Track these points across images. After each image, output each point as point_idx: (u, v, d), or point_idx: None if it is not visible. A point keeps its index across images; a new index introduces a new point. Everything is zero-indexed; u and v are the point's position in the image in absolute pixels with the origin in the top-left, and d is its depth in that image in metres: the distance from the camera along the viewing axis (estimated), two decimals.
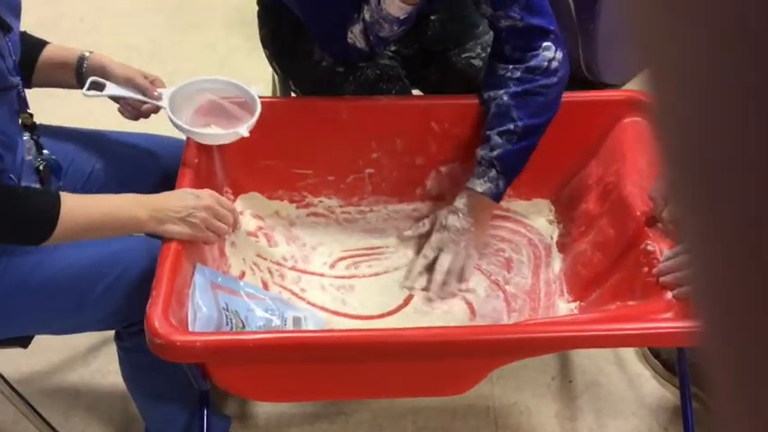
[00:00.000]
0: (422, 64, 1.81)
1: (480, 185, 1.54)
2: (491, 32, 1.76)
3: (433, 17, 1.71)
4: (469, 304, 1.55)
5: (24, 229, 1.22)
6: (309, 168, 1.68)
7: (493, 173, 1.53)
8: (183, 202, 1.31)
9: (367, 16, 1.53)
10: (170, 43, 3.06)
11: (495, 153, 1.52)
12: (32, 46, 1.46)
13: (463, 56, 1.76)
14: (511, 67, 1.53)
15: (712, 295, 0.26)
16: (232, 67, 2.90)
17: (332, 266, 1.62)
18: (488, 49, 1.74)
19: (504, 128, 1.52)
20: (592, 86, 2.35)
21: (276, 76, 1.91)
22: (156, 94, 1.47)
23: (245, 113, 1.51)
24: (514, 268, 1.62)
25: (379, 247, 1.67)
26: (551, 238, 1.68)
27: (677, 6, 0.23)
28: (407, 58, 1.79)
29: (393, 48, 1.71)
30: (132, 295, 1.32)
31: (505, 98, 1.52)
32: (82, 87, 1.44)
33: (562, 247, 1.65)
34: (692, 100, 0.24)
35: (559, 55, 1.51)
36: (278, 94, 1.93)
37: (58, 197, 1.23)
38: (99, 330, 1.46)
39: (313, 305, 1.53)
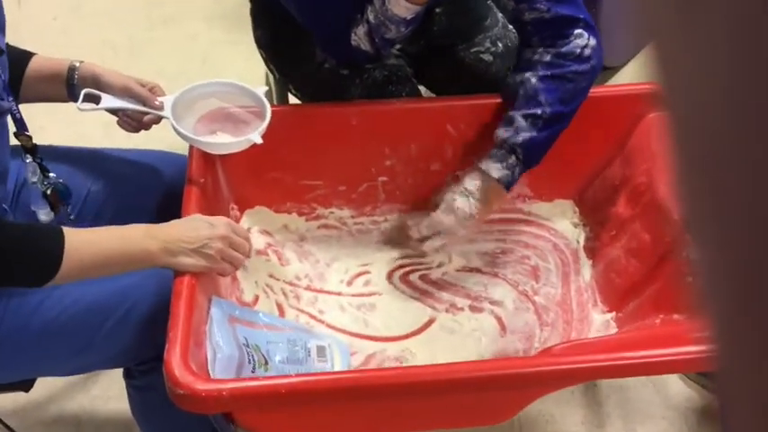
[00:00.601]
0: (428, 60, 1.71)
1: (497, 171, 1.43)
2: (500, 24, 1.67)
3: (438, 10, 1.61)
4: (498, 319, 1.47)
5: (25, 271, 1.12)
6: (319, 179, 1.58)
7: (512, 159, 1.43)
8: (197, 232, 1.20)
9: (371, 17, 1.42)
10: (149, 39, 2.92)
11: (520, 139, 1.42)
12: (17, 59, 1.34)
13: (472, 50, 1.66)
14: (541, 50, 1.43)
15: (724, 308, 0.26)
16: (216, 62, 2.77)
17: (349, 284, 1.53)
18: (498, 43, 1.65)
19: (531, 111, 1.42)
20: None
21: (272, 80, 1.80)
22: (157, 103, 1.35)
23: (254, 118, 1.41)
24: (542, 277, 1.54)
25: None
26: (577, 242, 1.59)
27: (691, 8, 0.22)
28: (413, 55, 1.68)
29: (398, 45, 1.61)
30: (143, 332, 1.22)
31: (533, 80, 1.42)
32: (74, 100, 1.33)
33: (590, 252, 1.56)
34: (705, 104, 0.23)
35: (593, 42, 1.42)
36: (274, 98, 1.82)
37: (62, 234, 1.12)
38: (109, 369, 1.36)
39: (334, 328, 1.43)
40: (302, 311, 1.45)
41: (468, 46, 1.66)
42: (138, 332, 1.22)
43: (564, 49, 1.41)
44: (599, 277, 1.51)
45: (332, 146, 1.54)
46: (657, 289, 1.35)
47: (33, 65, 1.35)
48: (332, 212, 1.61)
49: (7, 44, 1.30)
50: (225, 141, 1.36)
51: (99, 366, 1.31)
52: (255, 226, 1.56)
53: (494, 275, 1.54)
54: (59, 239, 1.11)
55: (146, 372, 1.27)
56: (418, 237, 1.51)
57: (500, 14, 1.70)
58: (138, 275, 1.25)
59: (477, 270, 1.55)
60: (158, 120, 1.37)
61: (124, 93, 1.34)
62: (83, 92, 1.32)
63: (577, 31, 1.42)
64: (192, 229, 1.20)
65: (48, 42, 2.77)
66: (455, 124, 1.54)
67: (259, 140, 1.34)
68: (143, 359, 1.26)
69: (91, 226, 1.32)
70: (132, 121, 1.38)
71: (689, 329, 1.21)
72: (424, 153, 1.57)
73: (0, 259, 1.10)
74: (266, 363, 1.23)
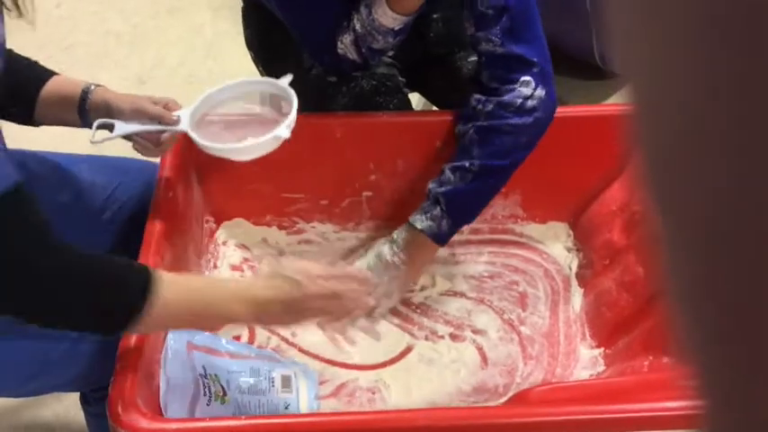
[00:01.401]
0: (424, 68, 1.62)
1: (420, 222, 1.36)
2: None
3: (435, 15, 1.52)
4: (480, 349, 1.39)
5: (93, 312, 0.97)
6: (300, 192, 1.51)
7: (437, 210, 1.36)
8: (286, 294, 1.04)
9: (358, 27, 1.34)
10: (153, 28, 2.86)
11: (443, 189, 1.35)
12: (36, 76, 1.24)
13: (470, 59, 1.58)
14: (485, 99, 1.35)
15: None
16: (219, 53, 2.71)
17: None
18: None
19: (459, 164, 1.35)
20: (605, 76, 2.19)
21: None
22: (174, 118, 1.24)
23: (277, 113, 1.30)
24: (529, 305, 1.46)
25: None
26: (570, 268, 1.51)
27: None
28: (407, 62, 1.60)
29: (391, 53, 1.52)
30: (98, 355, 1.15)
31: (471, 132, 1.35)
32: (87, 126, 1.22)
33: (583, 280, 1.48)
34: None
35: (540, 93, 1.31)
36: None
37: (149, 279, 0.96)
38: (65, 392, 1.30)
39: (306, 353, 1.36)
40: (273, 333, 1.38)
41: (466, 54, 1.58)
42: (90, 359, 1.16)
43: (506, 98, 1.32)
44: (589, 309, 1.43)
45: (315, 158, 1.46)
46: (648, 328, 1.27)
47: (49, 85, 1.24)
48: (313, 227, 1.54)
49: (35, 62, 1.24)
50: (249, 144, 1.23)
51: (53, 391, 1.25)
52: (232, 239, 1.50)
53: (479, 301, 1.46)
54: (144, 288, 0.96)
55: (102, 399, 1.21)
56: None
57: None
58: None
59: (462, 295, 1.47)
60: (177, 136, 1.27)
61: (137, 115, 1.23)
62: (95, 123, 1.21)
63: (525, 78, 1.31)
64: (278, 290, 1.05)
65: (50, 30, 2.72)
66: (444, 140, 1.46)
67: (287, 134, 1.21)
68: (98, 385, 1.20)
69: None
70: (149, 144, 1.25)
71: (677, 377, 1.13)
72: (411, 169, 1.49)
73: (78, 299, 0.96)
74: (224, 394, 1.17)
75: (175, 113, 1.24)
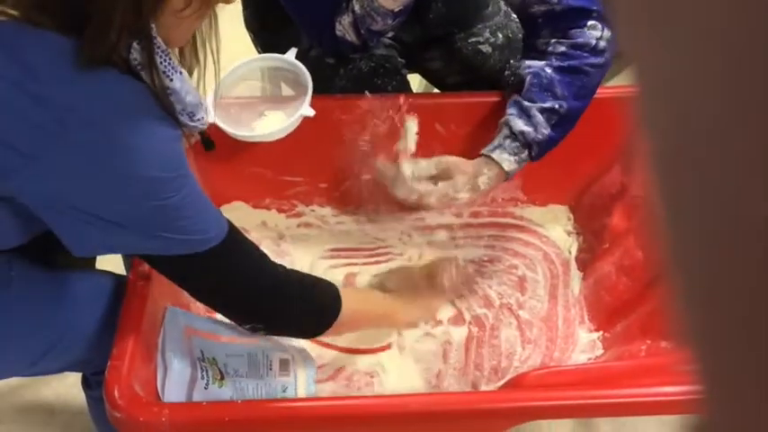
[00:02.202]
0: (423, 49, 1.61)
1: (509, 163, 1.33)
2: (502, 13, 1.57)
3: None
4: (479, 333, 1.39)
5: (312, 322, 1.16)
6: (300, 175, 1.50)
7: (525, 154, 1.34)
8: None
9: (357, 7, 1.33)
10: None
11: (540, 137, 1.32)
12: None
13: (470, 41, 1.56)
14: (554, 41, 1.33)
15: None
16: (220, 34, 2.69)
17: None
18: (498, 34, 1.54)
19: (548, 105, 1.32)
20: None
21: None
22: None
23: (289, 88, 1.37)
24: (528, 289, 1.45)
25: (378, 256, 1.50)
26: (569, 252, 1.51)
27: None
28: (407, 43, 1.59)
29: (390, 34, 1.51)
30: (99, 340, 1.16)
31: (548, 70, 1.32)
32: None
33: (582, 264, 1.48)
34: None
35: (607, 34, 1.30)
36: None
37: (339, 294, 1.16)
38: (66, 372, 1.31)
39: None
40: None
41: (466, 35, 1.56)
42: (91, 344, 1.16)
43: (580, 40, 1.31)
44: (588, 293, 1.42)
45: (314, 141, 1.45)
46: (647, 312, 1.26)
47: None
48: (313, 210, 1.54)
49: None
50: (280, 127, 1.30)
51: (54, 373, 1.25)
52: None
53: (478, 286, 1.46)
54: (337, 297, 1.16)
55: (102, 382, 1.21)
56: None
57: (503, 2, 1.59)
58: (91, 285, 1.19)
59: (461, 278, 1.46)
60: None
61: None
62: None
63: (591, 22, 1.31)
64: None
65: None
66: (444, 123, 1.45)
67: (311, 112, 1.29)
68: (99, 369, 1.20)
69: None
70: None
71: (675, 362, 1.12)
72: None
73: (290, 308, 1.12)
74: (222, 377, 1.17)
75: None
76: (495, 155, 1.34)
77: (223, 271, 1.05)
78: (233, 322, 1.16)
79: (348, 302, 1.16)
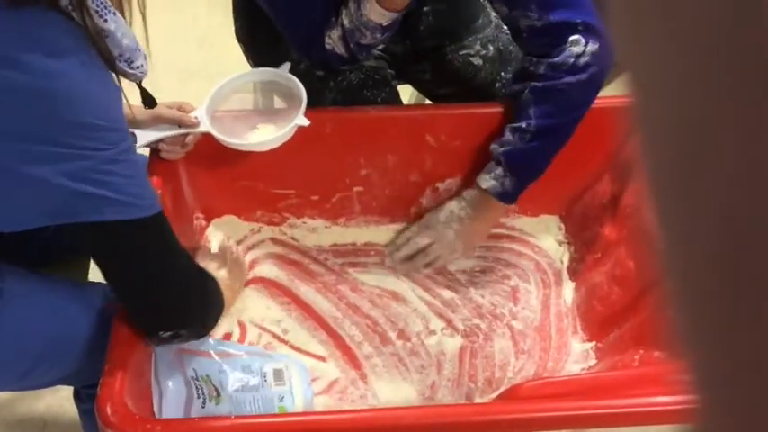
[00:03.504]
0: (414, 60, 1.61)
1: (485, 181, 1.38)
2: (493, 25, 1.58)
3: (425, 8, 1.51)
4: (471, 344, 1.39)
5: (207, 316, 1.17)
6: (291, 187, 1.50)
7: (499, 170, 1.37)
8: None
9: (346, 22, 1.34)
10: (148, 20, 2.84)
11: (503, 149, 1.36)
12: None
13: (461, 53, 1.57)
14: (535, 60, 1.33)
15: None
16: (212, 46, 2.70)
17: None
18: (489, 46, 1.55)
19: (518, 125, 1.34)
20: None
21: None
22: (193, 120, 1.29)
23: (282, 102, 1.38)
24: (521, 299, 1.45)
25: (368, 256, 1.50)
26: (561, 262, 1.51)
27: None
28: (396, 55, 1.59)
29: (380, 46, 1.51)
30: (90, 353, 1.15)
31: (526, 92, 1.34)
32: None
33: (574, 274, 1.48)
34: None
35: (592, 48, 1.28)
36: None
37: (212, 277, 1.18)
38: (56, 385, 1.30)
39: (297, 350, 1.36)
40: (265, 330, 1.38)
41: (456, 48, 1.57)
42: (82, 357, 1.16)
43: (558, 59, 1.30)
44: (581, 302, 1.42)
45: (305, 153, 1.45)
46: (639, 321, 1.27)
47: None
48: (304, 223, 1.53)
49: None
50: (275, 135, 1.31)
51: (44, 387, 1.25)
52: (223, 236, 1.49)
53: (470, 296, 1.46)
54: (215, 281, 1.17)
55: (94, 395, 1.21)
56: (409, 236, 1.49)
57: (494, 14, 1.60)
58: (82, 297, 1.18)
59: (454, 289, 1.47)
60: (200, 136, 1.32)
61: (155, 122, 1.28)
62: None
63: (573, 37, 1.29)
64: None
65: None
66: (435, 134, 1.45)
67: (306, 122, 1.30)
68: (90, 382, 1.20)
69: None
70: (175, 147, 1.33)
71: (668, 371, 1.13)
72: (401, 163, 1.48)
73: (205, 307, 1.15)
74: (218, 394, 1.17)
75: (192, 114, 1.30)
76: (477, 179, 1.40)
77: (155, 251, 1.03)
78: (151, 327, 1.10)
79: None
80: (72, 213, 0.95)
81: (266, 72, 1.38)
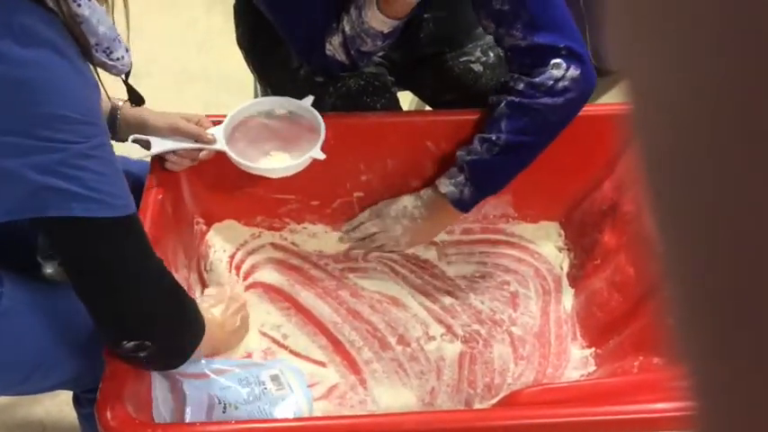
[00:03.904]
0: (414, 67, 1.62)
1: (445, 186, 1.40)
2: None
3: (426, 15, 1.51)
4: (471, 350, 1.39)
5: (177, 332, 1.11)
6: (291, 193, 1.50)
7: (461, 177, 1.38)
8: (245, 327, 1.36)
9: (347, 28, 1.34)
10: (147, 23, 2.84)
11: (469, 158, 1.37)
12: None
13: (461, 60, 1.57)
14: (516, 76, 1.34)
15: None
16: (212, 50, 2.70)
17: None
18: (489, 53, 1.56)
19: (487, 136, 1.35)
20: (599, 73, 2.18)
21: (257, 78, 1.73)
22: (210, 136, 1.30)
23: (303, 130, 1.37)
24: (521, 305, 1.46)
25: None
26: (561, 268, 1.51)
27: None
28: (396, 62, 1.60)
29: (379, 54, 1.51)
30: (91, 358, 1.15)
31: (503, 105, 1.34)
32: (118, 140, 1.27)
33: (574, 280, 1.48)
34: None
35: (573, 73, 1.29)
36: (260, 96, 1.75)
37: (191, 298, 1.14)
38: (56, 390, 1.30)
39: (297, 355, 1.36)
40: (265, 335, 1.38)
41: (456, 54, 1.58)
42: (82, 362, 1.16)
43: (537, 80, 1.31)
44: (580, 309, 1.43)
45: None
46: (639, 328, 1.27)
47: None
48: (305, 228, 1.54)
49: None
50: (288, 164, 1.32)
51: (44, 392, 1.25)
52: (223, 241, 1.49)
53: (470, 301, 1.46)
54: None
55: (94, 400, 1.21)
56: (357, 222, 1.52)
57: None
58: (78, 302, 1.18)
59: (454, 295, 1.47)
60: (213, 153, 1.32)
61: (172, 133, 1.28)
62: (130, 138, 1.26)
63: (555, 60, 1.30)
64: (241, 324, 1.33)
65: None
66: (435, 141, 1.45)
67: (322, 156, 1.30)
68: (90, 387, 1.20)
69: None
70: (186, 160, 1.32)
71: (668, 378, 1.13)
72: (401, 169, 1.49)
73: (175, 322, 1.09)
74: (236, 408, 1.17)
75: (209, 131, 1.30)
76: (437, 181, 1.42)
77: (122, 253, 0.98)
78: (113, 334, 1.04)
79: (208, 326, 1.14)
80: (40, 208, 0.91)
81: (289, 101, 1.38)
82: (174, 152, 1.30)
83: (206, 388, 1.15)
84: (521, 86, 1.32)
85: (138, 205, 1.27)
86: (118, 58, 1.01)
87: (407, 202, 1.46)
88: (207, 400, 1.14)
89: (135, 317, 1.02)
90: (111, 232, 0.95)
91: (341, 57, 1.39)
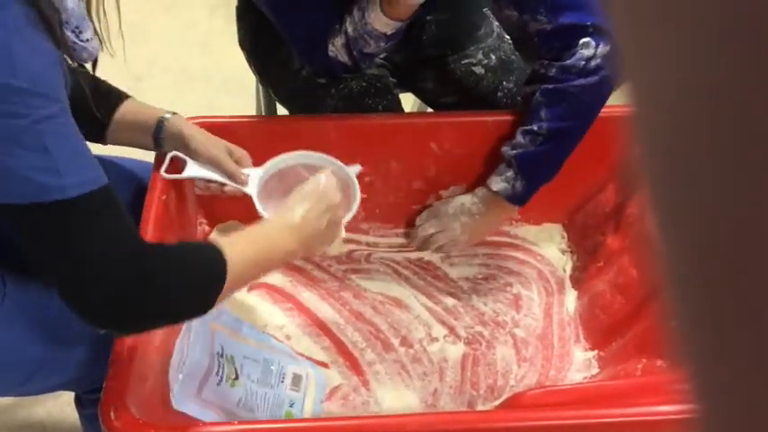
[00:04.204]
0: (416, 68, 1.62)
1: (496, 183, 1.39)
2: (495, 35, 1.58)
3: (428, 17, 1.52)
4: (474, 352, 1.39)
5: (194, 297, 0.97)
6: None
7: (510, 173, 1.38)
8: (332, 233, 1.17)
9: (350, 30, 1.34)
10: (149, 25, 2.84)
11: (515, 152, 1.36)
12: (108, 97, 1.26)
13: (463, 62, 1.57)
14: (546, 63, 1.34)
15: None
16: (214, 52, 2.70)
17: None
18: (491, 55, 1.56)
19: (529, 127, 1.35)
20: None
21: (259, 83, 1.73)
22: (243, 177, 1.29)
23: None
24: (524, 307, 1.46)
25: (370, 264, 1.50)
26: (564, 270, 1.51)
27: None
28: (398, 63, 1.60)
29: (381, 56, 1.51)
30: (93, 358, 1.15)
31: (537, 95, 1.34)
32: (158, 150, 1.30)
33: (577, 282, 1.48)
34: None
35: (602, 50, 1.28)
36: (261, 101, 1.75)
37: (219, 249, 0.98)
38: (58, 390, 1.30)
39: (300, 356, 1.36)
40: (267, 335, 1.38)
41: (458, 57, 1.58)
42: (85, 362, 1.16)
43: (568, 62, 1.30)
44: (583, 311, 1.43)
45: None
46: (642, 330, 1.27)
47: (124, 109, 1.27)
48: None
49: (104, 81, 1.25)
50: None
51: (46, 392, 1.25)
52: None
53: (473, 303, 1.46)
54: (220, 255, 0.97)
55: (96, 401, 1.21)
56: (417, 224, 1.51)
57: (496, 24, 1.60)
58: None
59: (456, 296, 1.47)
60: (238, 193, 1.30)
61: (211, 162, 1.28)
62: (169, 155, 1.27)
63: (584, 40, 1.29)
64: (312, 220, 1.12)
65: None
66: (438, 141, 1.45)
67: (342, 233, 1.22)
68: (92, 387, 1.20)
69: None
70: (211, 188, 1.33)
71: (671, 381, 1.13)
72: (405, 171, 1.49)
73: (163, 289, 0.94)
74: (236, 377, 1.18)
75: (245, 171, 1.29)
76: (488, 180, 1.40)
77: (79, 234, 0.88)
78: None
79: (234, 262, 0.97)
80: None
81: (335, 163, 1.32)
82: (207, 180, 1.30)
83: (229, 348, 1.16)
84: (552, 72, 1.32)
85: (141, 206, 1.28)
86: (87, 39, 0.97)
87: (464, 199, 1.45)
88: (206, 365, 1.14)
89: (121, 305, 0.92)
90: (59, 217, 0.86)
91: (343, 58, 1.39)
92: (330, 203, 1.15)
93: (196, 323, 1.15)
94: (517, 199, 1.40)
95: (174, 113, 1.29)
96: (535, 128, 1.34)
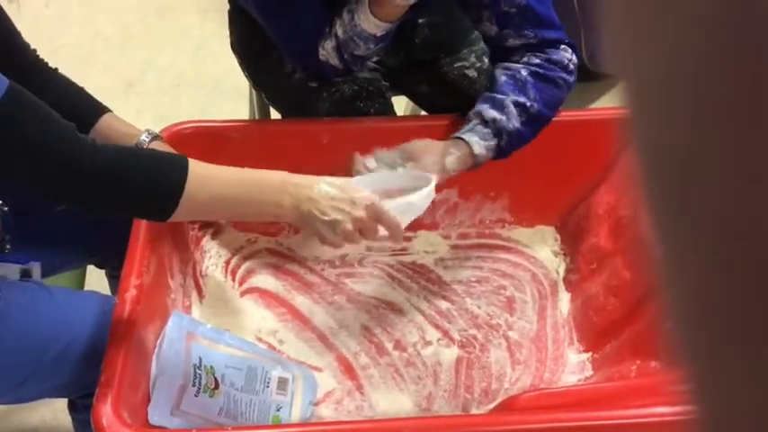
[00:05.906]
0: (409, 72, 1.61)
1: (478, 146, 1.31)
2: None
3: (420, 21, 1.52)
4: (468, 355, 1.39)
5: (149, 200, 1.00)
6: None
7: (494, 142, 1.32)
8: (335, 207, 1.06)
9: (340, 32, 1.34)
10: (141, 30, 2.85)
11: (511, 126, 1.31)
12: (88, 110, 1.27)
13: (456, 65, 1.57)
14: (530, 54, 1.36)
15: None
16: (207, 56, 2.70)
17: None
18: (483, 58, 1.55)
19: (522, 100, 1.33)
20: (593, 77, 2.19)
21: (252, 87, 1.73)
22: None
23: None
24: (517, 310, 1.45)
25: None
26: (557, 272, 1.51)
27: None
28: (391, 67, 1.59)
29: (375, 58, 1.51)
30: (83, 366, 1.15)
31: (524, 72, 1.34)
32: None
33: (570, 285, 1.48)
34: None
35: (575, 61, 1.37)
36: (254, 105, 1.75)
37: (185, 161, 1.01)
38: (52, 398, 1.30)
39: (293, 360, 1.36)
40: (261, 341, 1.38)
41: (451, 60, 1.57)
42: (78, 366, 1.15)
43: (554, 57, 1.36)
44: (577, 313, 1.43)
45: (302, 164, 1.45)
46: (636, 332, 1.27)
47: (102, 124, 1.26)
48: (300, 233, 1.53)
49: (82, 89, 1.27)
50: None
51: (40, 398, 1.24)
52: (218, 246, 1.49)
53: (466, 306, 1.46)
54: (183, 167, 0.99)
55: (89, 406, 1.21)
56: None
57: None
58: (78, 306, 1.18)
59: (450, 299, 1.47)
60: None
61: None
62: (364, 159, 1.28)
63: (563, 46, 1.37)
64: (329, 199, 1.07)
65: (39, 31, 2.70)
66: None
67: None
68: (85, 392, 1.19)
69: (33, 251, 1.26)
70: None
71: (666, 382, 1.13)
72: None
73: (128, 186, 0.98)
74: (216, 387, 1.17)
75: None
76: (465, 136, 1.32)
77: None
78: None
79: (205, 182, 1.00)
80: None
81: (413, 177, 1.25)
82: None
83: (208, 359, 1.16)
84: (536, 61, 1.35)
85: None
86: None
87: (450, 161, 1.31)
88: (181, 378, 1.13)
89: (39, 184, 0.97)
90: None
91: (334, 61, 1.38)
92: (357, 214, 1.07)
93: (170, 336, 1.14)
94: (479, 164, 1.33)
95: (157, 135, 1.27)
96: (528, 103, 1.33)
